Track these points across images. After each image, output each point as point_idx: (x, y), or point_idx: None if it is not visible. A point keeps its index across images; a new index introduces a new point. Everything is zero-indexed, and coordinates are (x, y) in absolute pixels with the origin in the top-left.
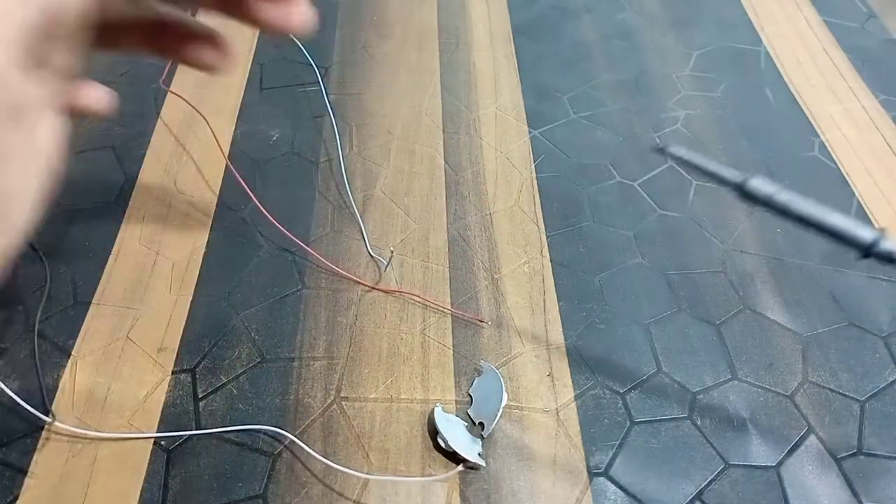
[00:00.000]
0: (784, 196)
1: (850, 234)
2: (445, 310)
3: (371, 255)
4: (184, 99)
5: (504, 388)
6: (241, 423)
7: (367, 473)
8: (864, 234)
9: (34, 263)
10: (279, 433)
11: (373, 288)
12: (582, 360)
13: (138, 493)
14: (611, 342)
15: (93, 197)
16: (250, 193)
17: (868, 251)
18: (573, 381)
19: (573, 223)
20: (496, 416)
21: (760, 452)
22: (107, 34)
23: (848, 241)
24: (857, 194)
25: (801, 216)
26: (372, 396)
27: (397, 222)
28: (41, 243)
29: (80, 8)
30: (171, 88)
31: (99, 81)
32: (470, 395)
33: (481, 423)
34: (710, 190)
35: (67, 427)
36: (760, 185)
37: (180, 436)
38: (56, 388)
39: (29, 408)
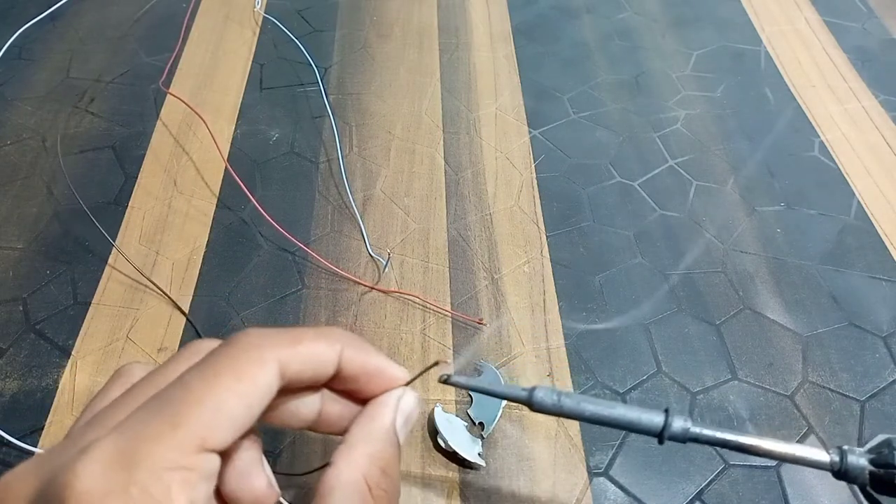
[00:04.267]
0: (568, 401)
1: (638, 423)
2: (445, 312)
3: (371, 256)
4: (183, 101)
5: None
6: None
7: None
8: (653, 419)
9: (35, 263)
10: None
11: (372, 288)
12: (582, 360)
13: None
14: (611, 342)
15: (93, 197)
16: (249, 194)
17: (661, 435)
18: (573, 381)
19: (573, 223)
20: (496, 415)
21: None
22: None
23: (641, 430)
24: (857, 194)
25: (590, 417)
26: None
27: (397, 222)
28: (42, 243)
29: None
30: (171, 89)
31: (98, 81)
32: (470, 395)
33: (481, 423)
34: (711, 190)
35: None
36: (544, 395)
37: None
38: (56, 388)
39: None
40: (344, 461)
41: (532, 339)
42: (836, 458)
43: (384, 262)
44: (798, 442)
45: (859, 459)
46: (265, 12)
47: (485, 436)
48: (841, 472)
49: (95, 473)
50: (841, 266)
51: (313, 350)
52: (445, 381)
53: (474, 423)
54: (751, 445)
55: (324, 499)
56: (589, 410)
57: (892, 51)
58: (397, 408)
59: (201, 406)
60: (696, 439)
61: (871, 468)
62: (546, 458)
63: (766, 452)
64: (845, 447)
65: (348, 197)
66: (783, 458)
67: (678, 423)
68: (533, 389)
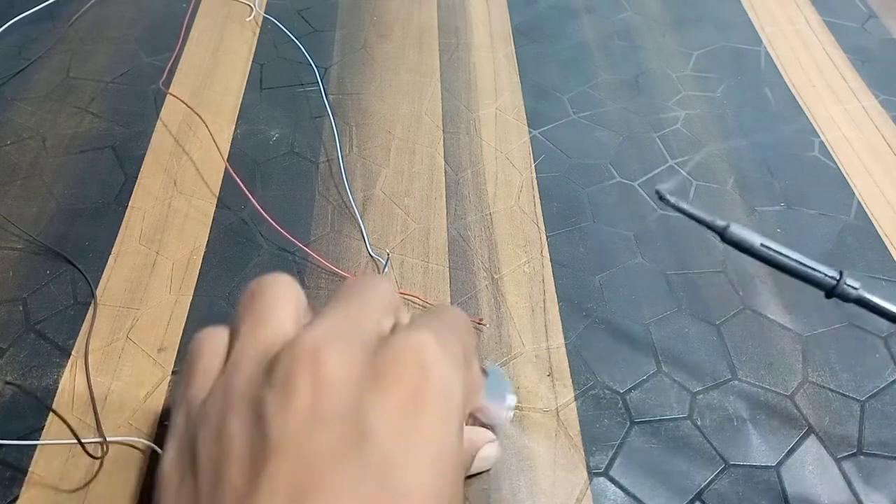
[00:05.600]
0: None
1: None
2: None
3: (371, 256)
4: (182, 101)
5: (512, 389)
6: None
7: None
8: (828, 272)
9: (34, 263)
10: None
11: None
12: (582, 360)
13: (139, 492)
14: (611, 342)
15: (93, 197)
16: (248, 194)
17: (833, 289)
18: (573, 381)
19: (573, 223)
20: (507, 415)
21: (760, 452)
22: None
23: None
24: (857, 194)
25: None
26: None
27: (397, 222)
28: (42, 243)
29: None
30: (171, 89)
31: (99, 81)
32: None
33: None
34: (711, 190)
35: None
36: (737, 230)
37: None
38: (56, 388)
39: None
40: None
41: (532, 339)
42: None
43: (384, 263)
44: (797, 442)
45: None
46: (265, 12)
47: (497, 438)
48: None
49: (443, 361)
50: (841, 266)
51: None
52: (661, 196)
53: (485, 425)
54: None
55: None
56: (768, 249)
57: (892, 51)
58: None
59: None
60: (862, 302)
61: None
62: (546, 458)
63: None
64: None
65: (348, 197)
66: None
67: (852, 281)
68: (729, 224)
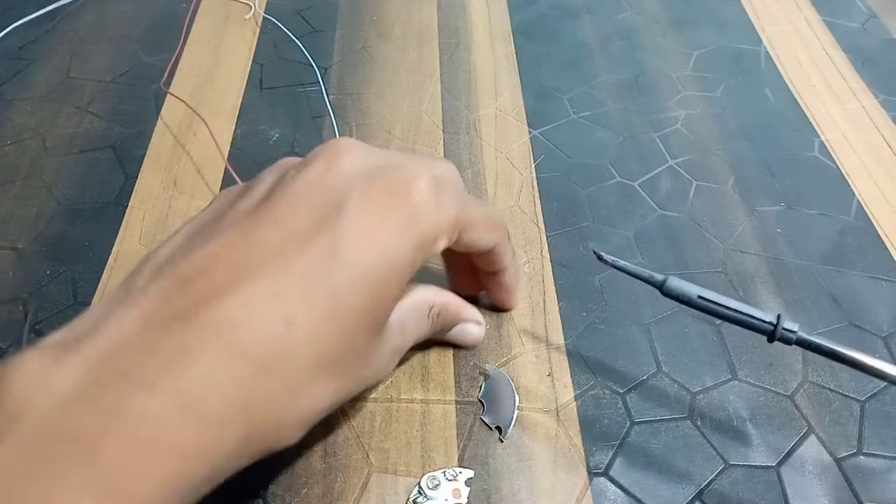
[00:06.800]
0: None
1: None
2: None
3: None
4: (183, 101)
5: (515, 390)
6: None
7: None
8: (765, 317)
9: (35, 263)
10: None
11: None
12: (582, 360)
13: None
14: (611, 342)
15: (93, 197)
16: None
17: (772, 334)
18: (573, 381)
19: (573, 223)
20: (512, 418)
21: (760, 452)
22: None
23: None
24: (857, 194)
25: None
26: (372, 396)
27: None
28: (42, 243)
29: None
30: (171, 89)
31: (99, 81)
32: (480, 401)
33: (498, 427)
34: (711, 190)
35: None
36: (675, 284)
37: None
38: None
39: None
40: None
41: (532, 339)
42: None
43: None
44: (797, 442)
45: None
46: (265, 12)
47: (503, 439)
48: None
49: (428, 185)
50: (841, 266)
51: (484, 238)
52: (599, 257)
53: (490, 428)
54: (849, 357)
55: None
56: (706, 301)
57: (892, 51)
58: (464, 329)
59: (473, 216)
60: (803, 343)
61: None
62: (546, 458)
63: (861, 365)
64: None
65: None
66: (879, 375)
67: (789, 325)
68: (666, 278)
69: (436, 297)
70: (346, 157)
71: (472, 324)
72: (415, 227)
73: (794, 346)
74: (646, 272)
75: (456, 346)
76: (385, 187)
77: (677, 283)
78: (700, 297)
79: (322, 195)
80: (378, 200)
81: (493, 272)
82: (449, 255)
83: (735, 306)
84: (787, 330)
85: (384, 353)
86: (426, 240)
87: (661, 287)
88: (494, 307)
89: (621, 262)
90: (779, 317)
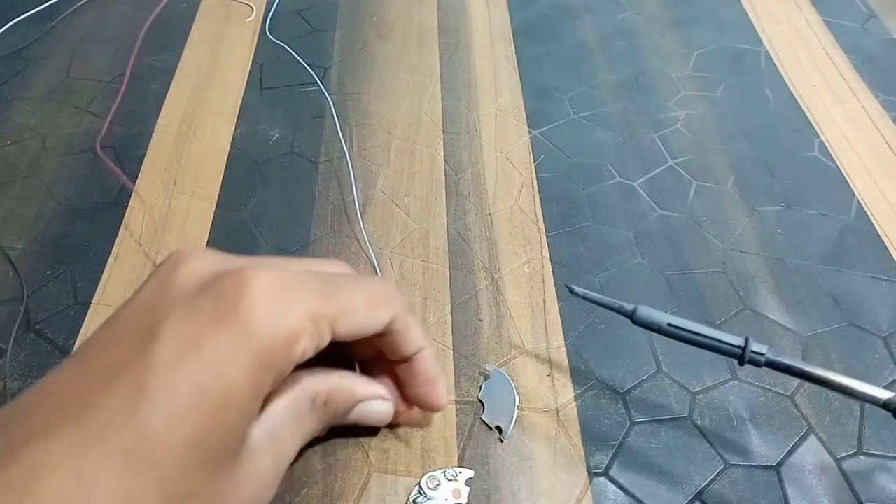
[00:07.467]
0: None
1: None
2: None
3: (369, 258)
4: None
5: (515, 390)
6: None
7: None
8: (734, 341)
9: (35, 263)
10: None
11: None
12: (582, 360)
13: None
14: (611, 342)
15: (93, 197)
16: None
17: (742, 357)
18: (573, 381)
19: (573, 223)
20: (512, 417)
21: (760, 452)
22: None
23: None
24: (857, 194)
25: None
26: None
27: (397, 222)
28: (42, 243)
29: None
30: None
31: (98, 81)
32: (480, 401)
33: (498, 427)
34: (711, 190)
35: None
36: (644, 313)
37: None
38: None
39: None
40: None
41: (532, 339)
42: (893, 396)
43: (377, 267)
44: (797, 442)
45: None
46: (265, 13)
47: (503, 439)
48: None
49: (269, 283)
50: (841, 266)
51: (369, 320)
52: (571, 290)
53: (490, 428)
54: (819, 376)
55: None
56: (676, 328)
57: (892, 51)
58: (365, 409)
59: (346, 302)
60: (772, 364)
61: None
62: (546, 458)
63: (829, 383)
64: None
65: (348, 197)
66: (846, 391)
67: (757, 347)
68: (636, 308)
69: (320, 384)
70: (180, 270)
71: (376, 401)
72: (248, 338)
73: (763, 367)
74: (616, 303)
75: (457, 350)
76: (213, 298)
77: (647, 312)
78: (670, 324)
79: (143, 320)
80: (202, 315)
81: (405, 359)
82: (359, 355)
83: (704, 332)
84: (755, 353)
85: (250, 479)
86: (271, 350)
87: (631, 316)
88: (422, 407)
89: (592, 294)
90: (747, 340)
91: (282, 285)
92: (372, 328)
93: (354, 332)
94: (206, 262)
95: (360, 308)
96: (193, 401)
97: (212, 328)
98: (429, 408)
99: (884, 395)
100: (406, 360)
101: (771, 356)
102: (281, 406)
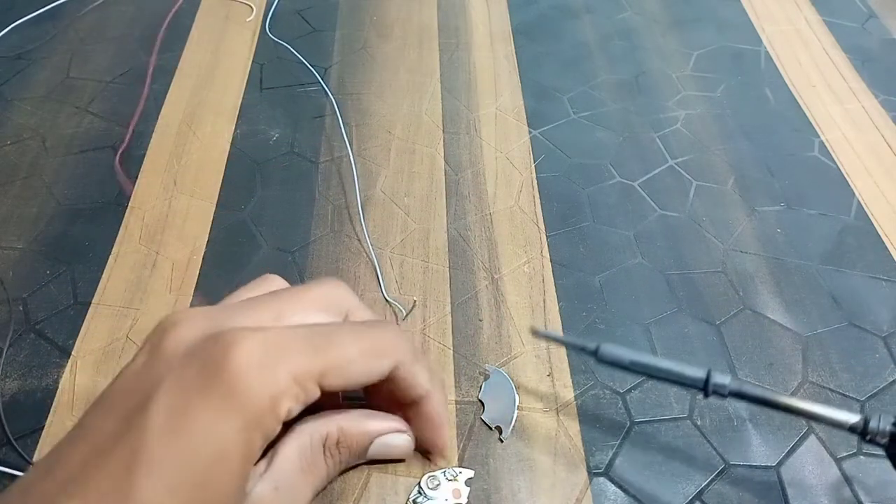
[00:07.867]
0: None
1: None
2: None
3: (387, 300)
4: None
5: (515, 390)
6: None
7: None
8: (696, 373)
9: (35, 263)
10: None
11: None
12: (582, 360)
13: None
14: (610, 342)
15: (93, 197)
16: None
17: (705, 389)
18: (573, 381)
19: (573, 223)
20: (513, 417)
21: (760, 452)
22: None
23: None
24: (857, 194)
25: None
26: None
27: (397, 222)
28: (42, 243)
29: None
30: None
31: (98, 81)
32: (480, 401)
33: (498, 427)
34: (711, 190)
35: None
36: (608, 350)
37: None
38: (56, 388)
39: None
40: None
41: (532, 339)
42: (859, 420)
43: (404, 312)
44: (797, 442)
45: (881, 422)
46: (265, 13)
47: (503, 439)
48: (863, 432)
49: (252, 346)
50: (841, 266)
51: (366, 370)
52: (535, 333)
53: (490, 428)
54: (784, 403)
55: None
56: (641, 363)
57: (892, 51)
58: (385, 443)
59: (340, 354)
60: (737, 394)
61: (894, 430)
62: (546, 457)
63: (795, 410)
64: (870, 412)
65: (349, 197)
66: (812, 417)
67: (719, 379)
68: (599, 346)
69: (328, 426)
70: (169, 337)
71: (391, 434)
72: (234, 403)
73: (728, 397)
74: (579, 342)
75: (457, 350)
76: (198, 366)
77: (610, 350)
78: (632, 361)
79: (133, 395)
80: (189, 384)
81: (412, 402)
82: (371, 393)
83: (666, 366)
84: (717, 384)
85: None
86: (257, 412)
87: (594, 355)
88: (425, 454)
89: (555, 334)
90: (709, 373)
91: (265, 348)
92: (370, 378)
93: (349, 383)
94: (194, 326)
95: (357, 359)
96: (186, 469)
97: (198, 396)
98: (431, 450)
99: (850, 418)
100: (413, 403)
101: (734, 387)
102: (285, 456)
